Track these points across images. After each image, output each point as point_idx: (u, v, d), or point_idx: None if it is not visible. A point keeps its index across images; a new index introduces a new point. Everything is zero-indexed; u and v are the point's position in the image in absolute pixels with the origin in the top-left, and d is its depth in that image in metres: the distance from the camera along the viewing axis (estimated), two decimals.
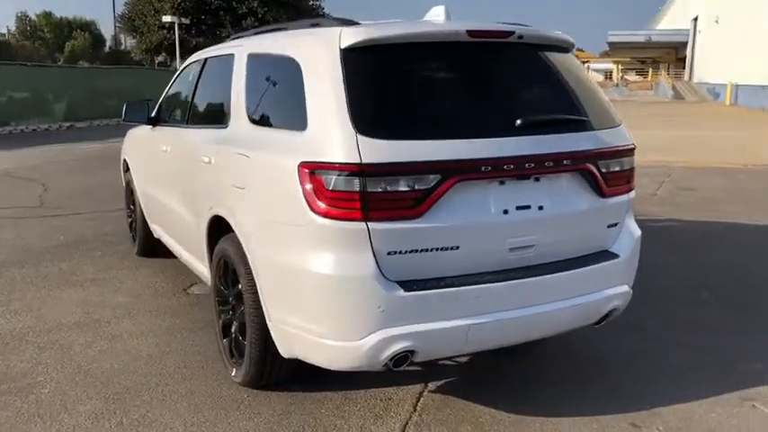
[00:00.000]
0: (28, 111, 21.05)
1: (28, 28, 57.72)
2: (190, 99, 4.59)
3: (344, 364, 2.93)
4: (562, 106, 3.23)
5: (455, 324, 2.87)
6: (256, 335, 3.30)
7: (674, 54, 58.39)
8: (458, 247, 2.89)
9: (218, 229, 3.72)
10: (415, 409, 3.38)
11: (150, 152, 5.31)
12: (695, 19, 48.10)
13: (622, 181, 3.31)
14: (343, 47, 2.95)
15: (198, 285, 5.35)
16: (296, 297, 2.99)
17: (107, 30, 61.47)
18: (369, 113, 2.82)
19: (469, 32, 3.03)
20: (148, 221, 5.74)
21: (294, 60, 3.19)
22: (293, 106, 3.13)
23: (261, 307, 3.25)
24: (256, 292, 3.27)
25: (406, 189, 2.77)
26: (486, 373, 3.75)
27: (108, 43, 60.06)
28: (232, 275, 3.57)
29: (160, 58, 43.28)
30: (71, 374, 3.79)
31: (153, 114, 5.32)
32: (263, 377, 3.44)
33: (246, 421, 3.27)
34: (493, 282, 2.93)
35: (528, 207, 3.01)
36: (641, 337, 4.23)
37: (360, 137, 2.74)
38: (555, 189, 3.10)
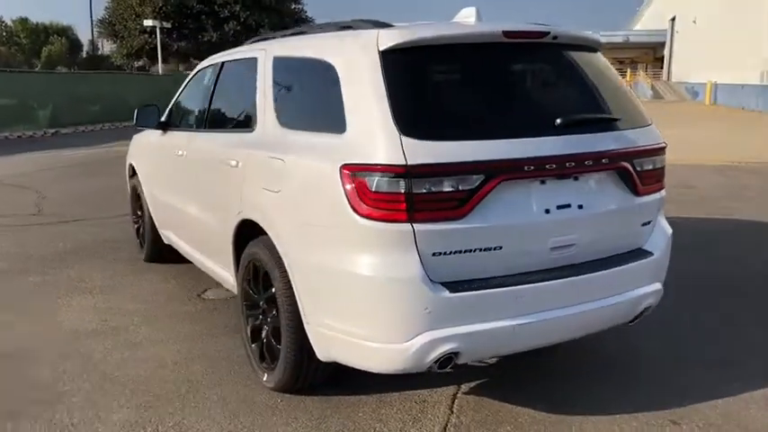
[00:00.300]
0: (12, 118, 20.73)
1: (4, 33, 57.06)
2: (207, 103, 4.55)
3: (389, 367, 2.92)
4: (597, 105, 3.25)
5: (500, 325, 2.86)
6: (292, 338, 3.28)
7: (651, 54, 59.01)
8: (501, 248, 2.89)
9: (246, 233, 3.70)
10: (451, 411, 3.37)
11: (162, 157, 5.26)
12: (673, 19, 48.67)
13: (654, 179, 3.34)
14: (381, 49, 2.94)
15: (212, 290, 5.31)
16: (337, 300, 2.97)
17: (84, 35, 60.98)
18: (411, 115, 2.81)
19: (505, 33, 3.04)
20: (158, 227, 5.68)
21: (329, 63, 3.17)
22: (330, 109, 3.12)
23: (297, 310, 3.22)
24: (292, 295, 3.25)
25: (450, 190, 2.76)
26: (518, 373, 3.75)
27: (85, 48, 59.53)
28: (263, 279, 3.55)
29: (140, 63, 42.93)
30: (98, 383, 3.74)
31: (163, 119, 5.27)
32: (297, 381, 3.42)
33: (284, 426, 3.25)
34: (536, 282, 2.94)
35: (568, 206, 3.02)
36: (673, 335, 4.25)
37: (404, 138, 2.73)
38: (593, 188, 3.11)
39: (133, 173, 6.24)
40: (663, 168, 3.42)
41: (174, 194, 5.03)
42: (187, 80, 5.27)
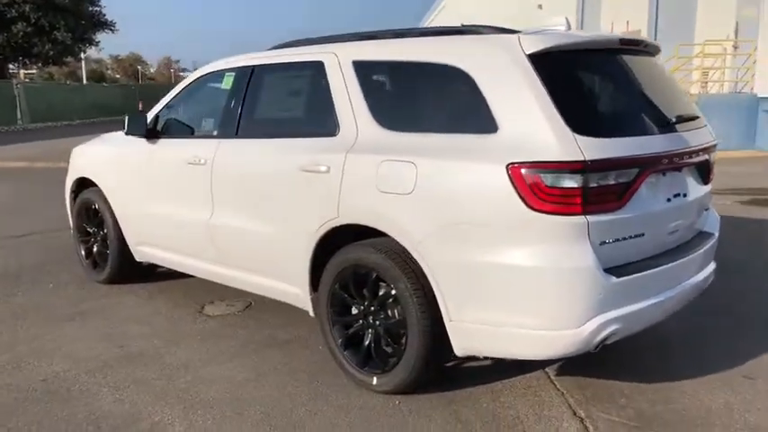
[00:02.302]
0: None
1: None
2: (237, 110, 4.32)
3: (556, 352, 3.10)
4: (683, 105, 3.68)
5: (648, 303, 3.17)
6: (422, 337, 3.32)
7: None
8: (643, 234, 3.20)
9: (334, 240, 3.66)
10: (561, 393, 3.60)
11: (153, 167, 4.88)
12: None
13: (712, 171, 3.84)
14: (528, 53, 3.12)
15: (209, 306, 5.06)
16: (501, 294, 3.08)
17: None
18: (577, 114, 3.02)
19: (621, 41, 3.36)
20: (133, 244, 5.25)
21: (456, 67, 3.27)
22: (467, 111, 3.23)
23: (431, 309, 3.28)
24: (423, 295, 3.30)
25: (613, 183, 3.02)
26: (588, 355, 4.06)
27: None
28: (373, 284, 3.53)
29: None
30: (186, 409, 3.47)
31: (150, 127, 4.90)
32: (419, 380, 3.45)
33: (427, 424, 3.28)
34: (667, 263, 3.29)
35: (679, 195, 3.41)
36: (732, 314, 4.71)
37: (577, 136, 2.94)
38: (687, 179, 3.53)
39: (80, 187, 5.69)
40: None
41: (176, 206, 4.70)
42: (181, 87, 4.93)
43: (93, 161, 5.59)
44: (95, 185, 5.49)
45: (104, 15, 36.74)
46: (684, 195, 3.45)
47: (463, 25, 3.56)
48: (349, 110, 3.66)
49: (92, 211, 5.61)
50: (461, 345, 3.27)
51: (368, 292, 3.59)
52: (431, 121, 3.44)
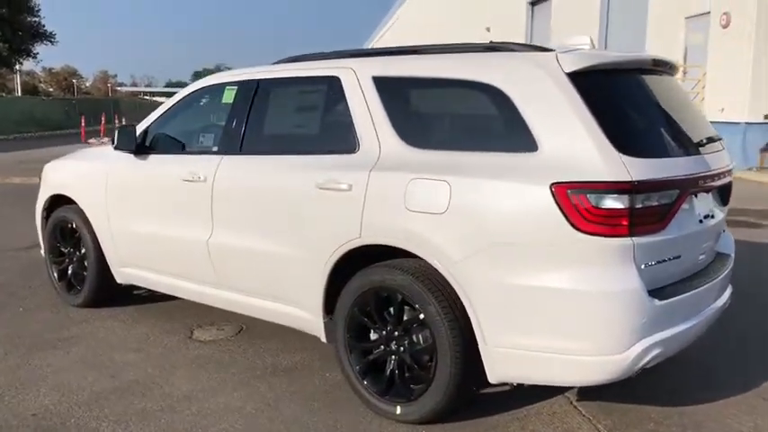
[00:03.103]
0: None
1: None
2: (241, 125, 4.11)
3: (599, 378, 3.00)
4: (706, 126, 3.67)
5: (687, 326, 3.12)
6: (454, 362, 3.18)
7: None
8: (680, 256, 3.15)
9: (353, 261, 3.50)
10: (587, 419, 3.51)
11: (145, 184, 4.62)
12: None
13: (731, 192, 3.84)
14: (567, 71, 3.05)
15: (197, 331, 4.81)
16: (542, 317, 2.98)
17: None
18: (621, 134, 2.96)
19: (653, 61, 3.34)
20: (115, 265, 4.96)
21: (493, 86, 3.17)
22: (502, 129, 3.16)
23: (462, 333, 3.16)
24: (455, 318, 3.17)
25: (656, 204, 2.96)
26: None
27: None
28: (397, 307, 3.38)
29: None
30: None
31: (139, 142, 4.65)
32: (449, 408, 3.31)
33: None
34: (700, 285, 3.25)
35: (708, 216, 3.39)
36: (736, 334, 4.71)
37: (622, 156, 2.88)
38: (712, 200, 3.52)
39: (53, 204, 5.37)
40: None
41: (169, 225, 4.45)
42: (175, 101, 4.69)
43: (71, 177, 5.26)
44: (73, 203, 5.18)
45: (44, 27, 35.61)
46: (712, 217, 3.44)
47: (492, 42, 3.47)
48: (370, 127, 3.52)
49: (68, 231, 5.28)
50: (497, 371, 3.15)
51: (391, 315, 3.43)
52: (463, 139, 3.33)
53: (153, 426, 3.42)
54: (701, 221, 3.30)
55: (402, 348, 3.41)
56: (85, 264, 5.19)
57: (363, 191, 3.42)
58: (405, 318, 3.39)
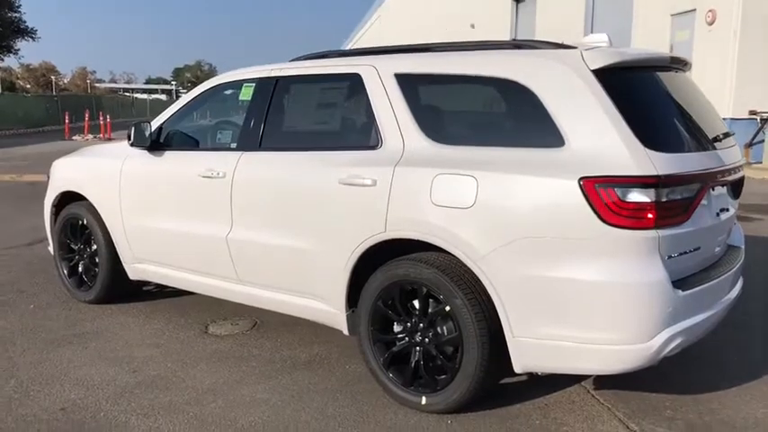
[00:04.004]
0: None
1: None
2: (260, 122, 4.16)
3: (624, 366, 3.09)
4: (719, 122, 3.78)
5: (706, 315, 3.23)
6: (480, 354, 3.26)
7: None
8: (699, 248, 3.26)
9: (377, 255, 3.57)
10: (606, 407, 3.61)
11: (160, 181, 4.65)
12: None
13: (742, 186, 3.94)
14: (592, 68, 3.14)
15: (212, 326, 4.85)
16: (570, 308, 3.06)
17: None
18: (646, 129, 3.05)
19: (671, 59, 3.44)
20: (128, 261, 4.98)
21: (518, 83, 3.25)
22: (528, 125, 3.24)
23: (489, 324, 3.24)
24: (481, 310, 3.25)
25: (679, 198, 3.06)
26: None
27: None
28: (423, 300, 3.45)
29: None
30: None
31: (153, 139, 4.68)
32: (474, 397, 3.39)
33: None
34: (718, 276, 3.36)
35: (724, 210, 3.50)
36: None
37: (648, 151, 2.97)
38: (726, 194, 3.63)
39: (60, 201, 5.38)
40: None
41: (186, 221, 4.48)
42: (189, 98, 4.72)
43: (81, 174, 5.27)
44: (83, 200, 5.19)
45: (24, 22, 35.20)
46: (727, 210, 3.54)
47: (515, 40, 3.54)
48: (393, 123, 3.58)
49: (78, 227, 5.29)
50: (523, 361, 3.23)
51: (417, 308, 3.50)
52: (489, 136, 3.41)
53: (181, 418, 3.47)
54: (717, 215, 3.41)
55: (427, 340, 3.48)
56: (96, 260, 5.20)
57: (388, 186, 3.49)
58: (430, 310, 3.46)
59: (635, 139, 2.98)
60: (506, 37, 24.34)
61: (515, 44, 3.55)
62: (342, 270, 3.71)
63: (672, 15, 16.02)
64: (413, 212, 3.42)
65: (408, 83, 3.62)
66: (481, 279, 3.24)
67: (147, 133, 4.61)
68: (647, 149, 2.97)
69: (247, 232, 4.15)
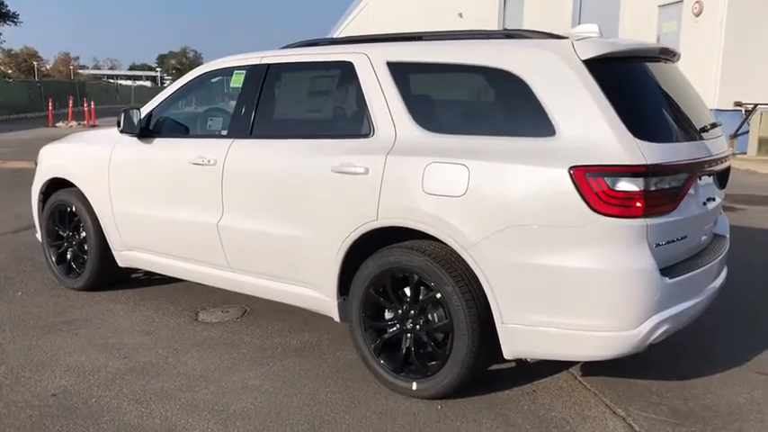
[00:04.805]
0: None
1: None
2: (249, 109, 4.15)
3: (612, 352, 3.15)
4: (706, 113, 3.83)
5: (692, 303, 3.30)
6: (469, 341, 3.30)
7: None
8: (686, 237, 3.31)
9: (367, 243, 3.60)
10: (593, 393, 3.66)
11: (150, 168, 4.64)
12: None
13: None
14: (583, 58, 3.17)
15: (202, 313, 4.86)
16: (558, 295, 3.10)
17: None
18: (635, 119, 3.09)
19: (661, 50, 3.48)
20: (120, 249, 4.97)
21: (510, 72, 3.27)
22: (520, 115, 3.27)
23: (476, 312, 3.28)
24: (471, 298, 3.29)
25: (667, 187, 3.11)
26: None
27: None
28: (415, 287, 3.49)
29: None
30: (224, 421, 3.32)
31: (143, 126, 4.67)
32: (463, 383, 3.44)
33: (478, 427, 3.27)
34: (703, 265, 3.42)
35: (711, 199, 3.55)
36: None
37: (637, 140, 3.01)
38: (712, 183, 3.68)
39: (48, 188, 5.36)
40: None
41: (177, 208, 4.48)
42: (178, 85, 4.70)
43: (70, 160, 5.24)
44: (72, 186, 5.17)
45: (6, 6, 34.74)
46: (713, 200, 3.60)
47: (506, 29, 3.57)
48: (385, 111, 3.60)
49: (67, 214, 5.27)
50: (513, 347, 3.28)
51: (408, 295, 3.54)
52: (480, 125, 3.44)
53: (174, 404, 3.49)
54: (704, 204, 3.46)
55: (418, 327, 3.52)
56: (85, 247, 5.19)
57: (380, 174, 3.51)
58: (421, 297, 3.50)
59: (624, 128, 3.02)
60: (494, 26, 24.35)
61: (506, 34, 3.57)
62: (333, 258, 3.73)
63: (659, 6, 16.11)
64: (405, 201, 3.44)
65: (400, 71, 3.64)
66: (472, 266, 3.28)
67: (137, 120, 4.60)
68: (636, 139, 3.02)
69: (238, 220, 4.16)
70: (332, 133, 3.88)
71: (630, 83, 3.35)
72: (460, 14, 27.88)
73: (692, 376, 3.85)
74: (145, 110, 4.75)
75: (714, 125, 3.71)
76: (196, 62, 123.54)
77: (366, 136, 3.65)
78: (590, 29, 3.64)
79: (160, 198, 4.59)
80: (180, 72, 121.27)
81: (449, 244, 3.33)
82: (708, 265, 3.46)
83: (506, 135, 3.28)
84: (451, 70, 3.58)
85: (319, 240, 3.78)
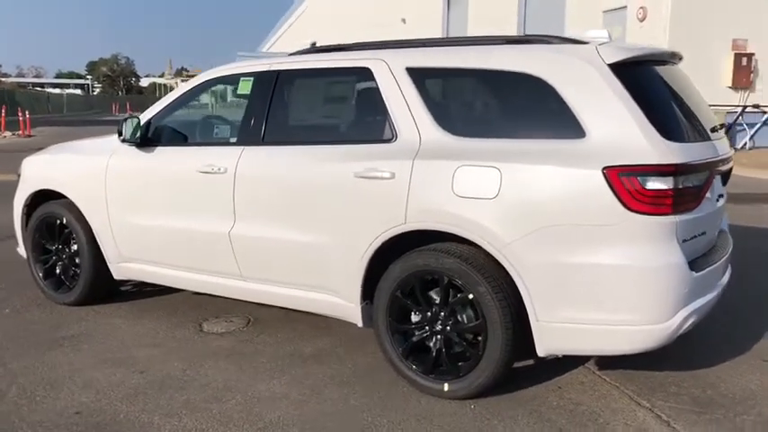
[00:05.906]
0: None
1: None
2: (261, 116, 4.12)
3: (646, 345, 3.26)
4: (711, 114, 4.00)
5: (712, 295, 3.46)
6: (503, 339, 3.37)
7: None
8: (704, 233, 3.47)
9: (392, 247, 3.63)
10: (615, 386, 3.78)
11: (153, 177, 4.54)
12: (313, 43, 52.41)
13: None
14: (609, 62, 3.29)
15: (207, 323, 4.78)
16: (594, 292, 3.20)
17: None
18: (662, 120, 3.22)
19: (671, 54, 3.63)
20: (117, 261, 4.84)
21: (536, 77, 3.36)
22: (549, 118, 3.37)
23: (510, 312, 3.35)
24: (504, 297, 3.36)
25: (691, 185, 3.26)
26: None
27: None
28: (444, 290, 3.53)
29: None
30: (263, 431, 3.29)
31: (142, 134, 4.57)
32: (495, 382, 3.50)
33: (513, 424, 3.34)
34: (718, 260, 3.58)
35: (722, 196, 3.73)
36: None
37: (666, 141, 3.14)
38: (719, 182, 3.85)
39: (33, 201, 5.18)
40: None
41: (184, 218, 4.40)
42: (180, 92, 4.61)
43: (60, 171, 5.07)
44: (62, 198, 5.01)
45: None
46: (722, 197, 3.78)
47: (527, 35, 3.66)
48: (408, 117, 3.64)
49: (56, 227, 5.10)
50: (547, 345, 3.36)
51: (438, 297, 3.58)
52: (507, 128, 3.51)
53: (206, 415, 3.44)
54: (717, 201, 3.63)
55: (448, 328, 3.56)
56: (77, 260, 5.04)
57: (408, 178, 3.54)
58: (451, 299, 3.54)
59: (653, 129, 3.15)
60: (438, 31, 24.65)
61: (527, 39, 3.66)
62: (357, 263, 3.74)
63: (603, 12, 16.63)
64: (435, 204, 3.48)
65: (421, 77, 3.68)
66: (505, 266, 3.34)
67: (138, 128, 4.50)
68: (666, 139, 3.14)
69: (252, 228, 4.11)
70: (351, 138, 3.90)
71: (650, 85, 3.48)
72: (404, 20, 28.12)
73: (703, 366, 4.01)
74: (143, 118, 4.64)
75: (722, 126, 3.89)
76: (128, 69, 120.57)
77: (388, 141, 3.68)
78: (600, 35, 3.76)
79: (164, 207, 4.50)
80: (111, 79, 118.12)
81: (481, 245, 3.39)
82: (721, 260, 3.62)
83: (535, 138, 3.36)
84: (477, 75, 3.64)
85: (342, 246, 3.78)
